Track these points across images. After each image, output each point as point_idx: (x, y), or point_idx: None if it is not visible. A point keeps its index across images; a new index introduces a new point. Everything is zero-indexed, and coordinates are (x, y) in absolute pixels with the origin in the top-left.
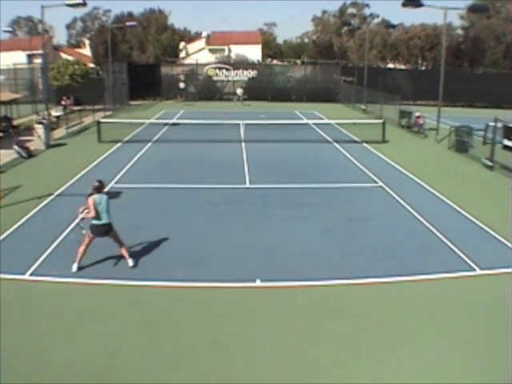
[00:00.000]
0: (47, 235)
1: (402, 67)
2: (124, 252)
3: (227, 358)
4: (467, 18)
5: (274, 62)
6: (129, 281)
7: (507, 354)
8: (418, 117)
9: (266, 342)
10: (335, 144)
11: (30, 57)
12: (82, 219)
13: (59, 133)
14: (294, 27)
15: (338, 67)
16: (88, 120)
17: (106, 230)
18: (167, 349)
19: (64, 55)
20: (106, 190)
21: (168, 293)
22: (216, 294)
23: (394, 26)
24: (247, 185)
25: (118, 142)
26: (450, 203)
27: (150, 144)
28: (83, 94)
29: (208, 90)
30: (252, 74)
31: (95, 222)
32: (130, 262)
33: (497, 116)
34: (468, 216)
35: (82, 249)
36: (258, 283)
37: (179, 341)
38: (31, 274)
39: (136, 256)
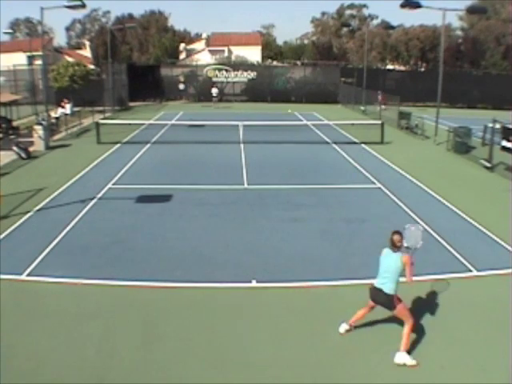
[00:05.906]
0: (45, 236)
1: (402, 68)
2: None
3: (223, 357)
4: (467, 19)
5: (274, 63)
6: (125, 281)
7: (506, 354)
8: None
9: (261, 342)
10: (334, 145)
11: (31, 58)
12: None
13: (59, 134)
14: (293, 28)
15: (337, 68)
16: (87, 121)
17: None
18: (163, 349)
19: (67, 57)
20: (103, 192)
21: (164, 293)
22: (212, 294)
23: (393, 27)
24: (245, 185)
25: (116, 143)
26: (448, 204)
27: (148, 145)
28: (83, 95)
29: (208, 91)
30: (252, 75)
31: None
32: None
33: (495, 117)
34: (465, 217)
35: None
36: (254, 284)
37: (175, 341)
38: (28, 275)
39: (133, 256)
